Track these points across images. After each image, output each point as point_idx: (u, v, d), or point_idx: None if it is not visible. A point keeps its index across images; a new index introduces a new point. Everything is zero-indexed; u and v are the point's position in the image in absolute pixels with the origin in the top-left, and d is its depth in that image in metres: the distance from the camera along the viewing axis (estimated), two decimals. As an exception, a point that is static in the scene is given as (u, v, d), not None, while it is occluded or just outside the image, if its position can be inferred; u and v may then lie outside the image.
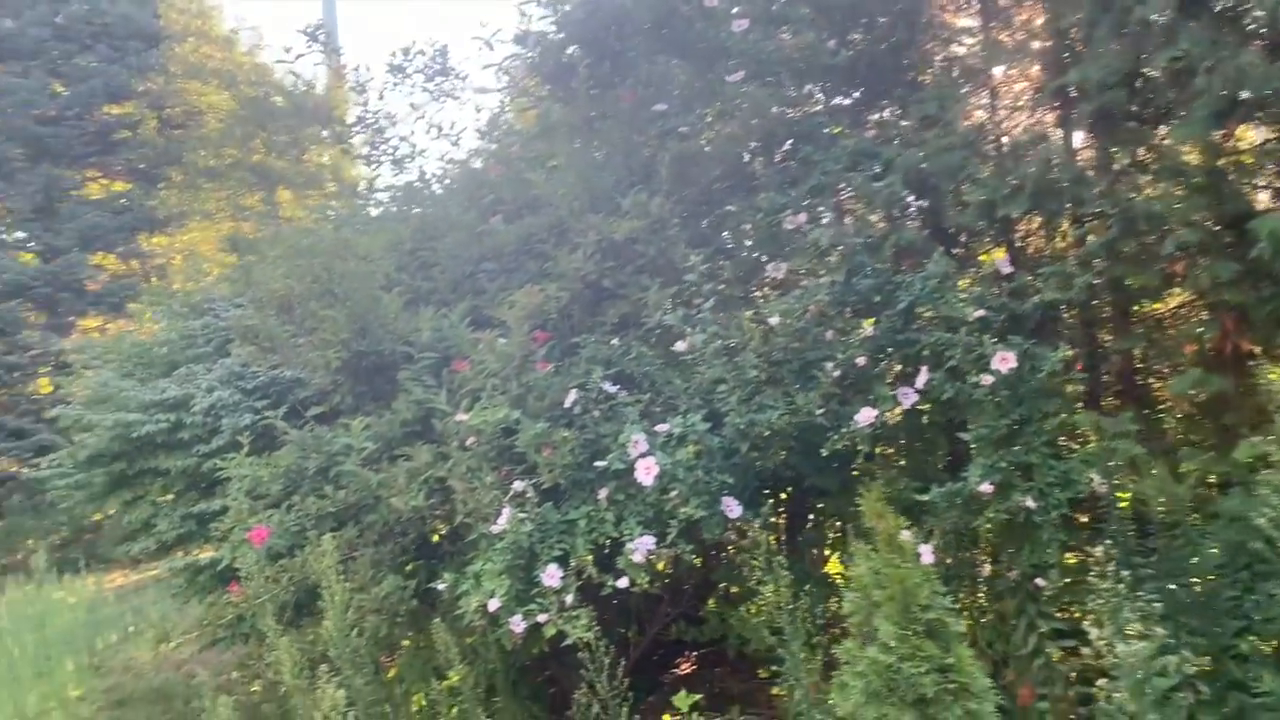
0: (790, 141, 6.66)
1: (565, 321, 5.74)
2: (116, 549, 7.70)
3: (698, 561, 6.59)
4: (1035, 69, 6.35)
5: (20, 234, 22.47)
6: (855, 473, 6.32)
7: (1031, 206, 5.88)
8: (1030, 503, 4.85)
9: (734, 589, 6.45)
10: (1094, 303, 5.89)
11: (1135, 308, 5.91)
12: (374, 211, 7.83)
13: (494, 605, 4.45)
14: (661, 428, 4.72)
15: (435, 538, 6.76)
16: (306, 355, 5.77)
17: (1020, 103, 6.68)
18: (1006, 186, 5.91)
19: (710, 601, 6.68)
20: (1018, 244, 6.45)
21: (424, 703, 6.53)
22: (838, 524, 6.63)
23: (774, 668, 6.41)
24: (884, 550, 3.28)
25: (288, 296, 5.54)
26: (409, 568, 6.11)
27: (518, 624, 4.60)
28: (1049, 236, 6.17)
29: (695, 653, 7.84)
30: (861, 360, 5.16)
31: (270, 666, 6.14)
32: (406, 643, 6.60)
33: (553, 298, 5.19)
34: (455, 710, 5.84)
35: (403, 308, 5.69)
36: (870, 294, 5.56)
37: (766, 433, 5.03)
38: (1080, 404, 5.69)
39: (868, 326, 5.13)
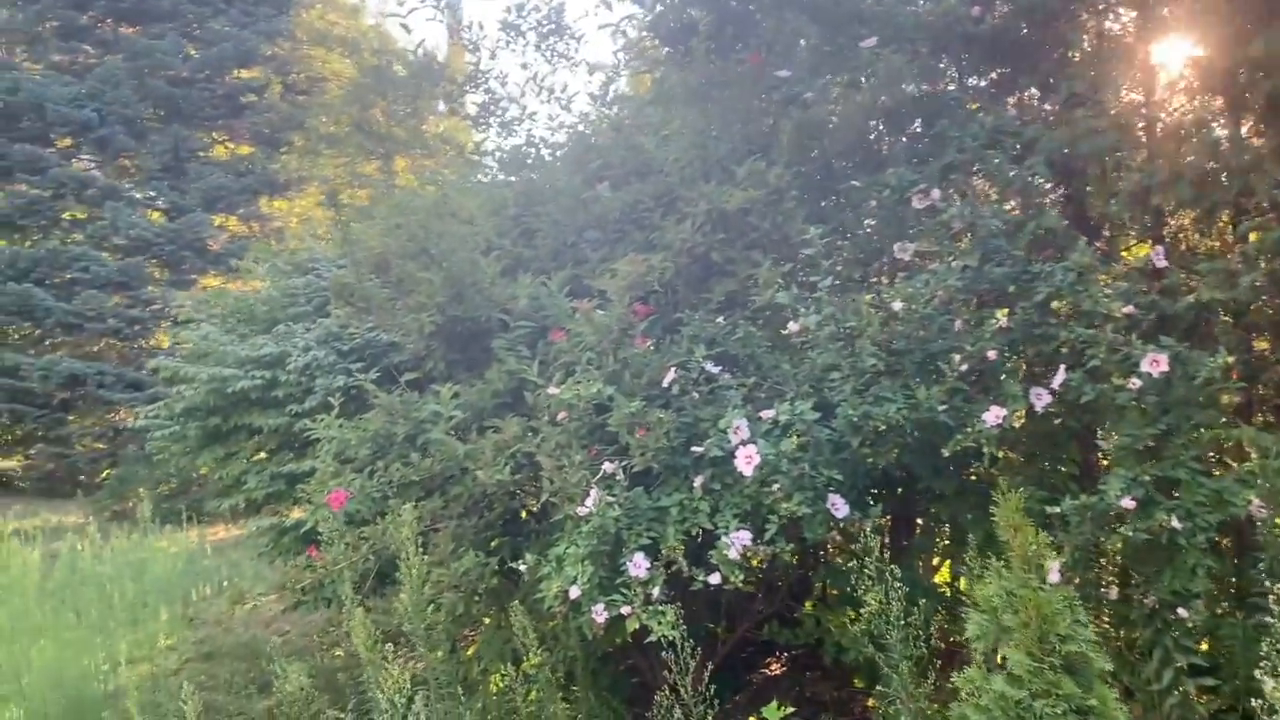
0: (920, 119, 6.20)
1: (668, 296, 5.40)
2: (212, 504, 7.66)
3: (794, 560, 6.19)
4: (1200, 46, 5.74)
5: (150, 192, 23.15)
6: (973, 477, 5.86)
7: (1191, 197, 5.32)
8: (1176, 523, 4.34)
9: (833, 591, 6.05)
10: (1253, 306, 5.30)
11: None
12: (482, 178, 7.62)
13: (575, 593, 4.16)
14: (767, 414, 4.35)
15: (524, 515, 6.55)
16: (401, 318, 5.56)
17: (1181, 83, 6.06)
18: (1162, 173, 5.36)
19: (807, 603, 6.29)
20: (1168, 239, 5.88)
21: (501, 685, 6.33)
22: (949, 531, 6.18)
23: (872, 680, 6.04)
24: (1018, 568, 2.86)
25: (384, 255, 5.33)
26: (493, 544, 5.89)
27: (599, 613, 4.30)
28: (1206, 231, 5.58)
29: (786, 654, 7.47)
30: (992, 354, 4.70)
31: (348, 634, 6.02)
32: (488, 620, 6.39)
33: (656, 268, 4.85)
34: (532, 694, 5.60)
35: (500, 274, 5.43)
36: (1004, 283, 5.09)
37: (882, 427, 4.61)
38: (1234, 417, 5.13)
39: (1001, 317, 4.66)
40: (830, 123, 5.77)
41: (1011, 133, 5.76)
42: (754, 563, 4.33)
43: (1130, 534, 4.35)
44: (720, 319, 5.12)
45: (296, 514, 7.03)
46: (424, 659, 4.74)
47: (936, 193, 5.08)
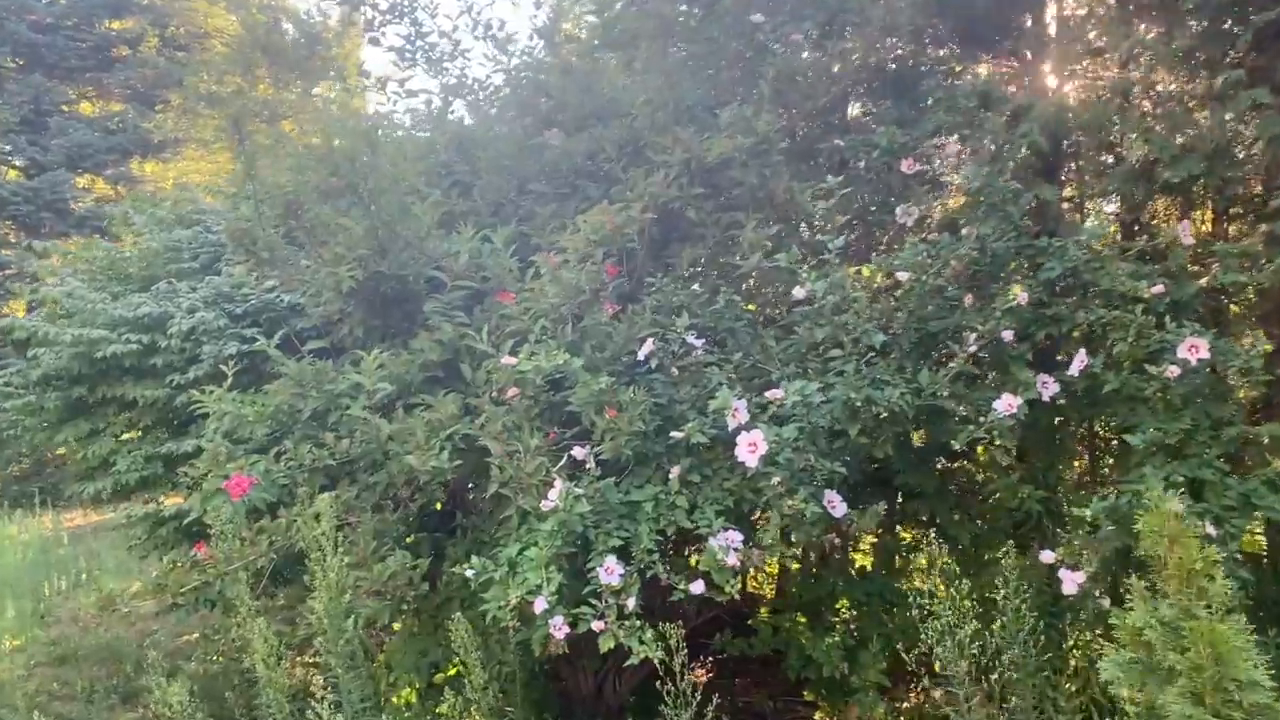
0: (899, 81, 5.63)
1: (626, 261, 4.69)
2: (73, 487, 6.59)
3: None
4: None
5: (5, 146, 21.20)
6: (955, 472, 5.35)
7: (1204, 171, 4.88)
8: (1210, 529, 3.84)
9: (795, 593, 5.44)
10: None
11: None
12: (404, 118, 6.72)
13: (540, 605, 3.42)
14: (774, 394, 3.68)
15: (439, 506, 5.77)
16: (313, 274, 4.72)
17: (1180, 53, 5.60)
18: (1173, 147, 4.91)
19: (763, 609, 5.66)
20: (1159, 217, 5.46)
21: (413, 699, 5.54)
22: (924, 530, 5.64)
23: (832, 693, 5.46)
24: (1177, 592, 2.26)
25: (297, 196, 4.47)
26: (409, 539, 5.11)
27: (559, 628, 3.57)
28: (1222, 211, 5.16)
29: (713, 659, 6.85)
30: (1008, 334, 4.14)
31: (237, 645, 5.13)
32: (398, 626, 5.59)
33: (636, 220, 4.13)
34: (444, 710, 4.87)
35: (436, 225, 4.63)
36: (1005, 258, 4.55)
37: (883, 414, 4.01)
38: (1256, 413, 4.72)
39: (1017, 292, 4.10)
40: (809, 76, 5.14)
41: (998, 98, 5.24)
42: (753, 571, 3.66)
43: (1164, 540, 3.83)
44: (696, 286, 4.44)
45: (175, 501, 6.07)
46: (334, 679, 3.93)
47: (950, 148, 4.47)
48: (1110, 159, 5.24)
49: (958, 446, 3.97)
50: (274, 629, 4.01)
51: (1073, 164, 5.54)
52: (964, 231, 4.29)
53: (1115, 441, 5.12)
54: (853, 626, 4.99)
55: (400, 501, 4.87)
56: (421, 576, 4.13)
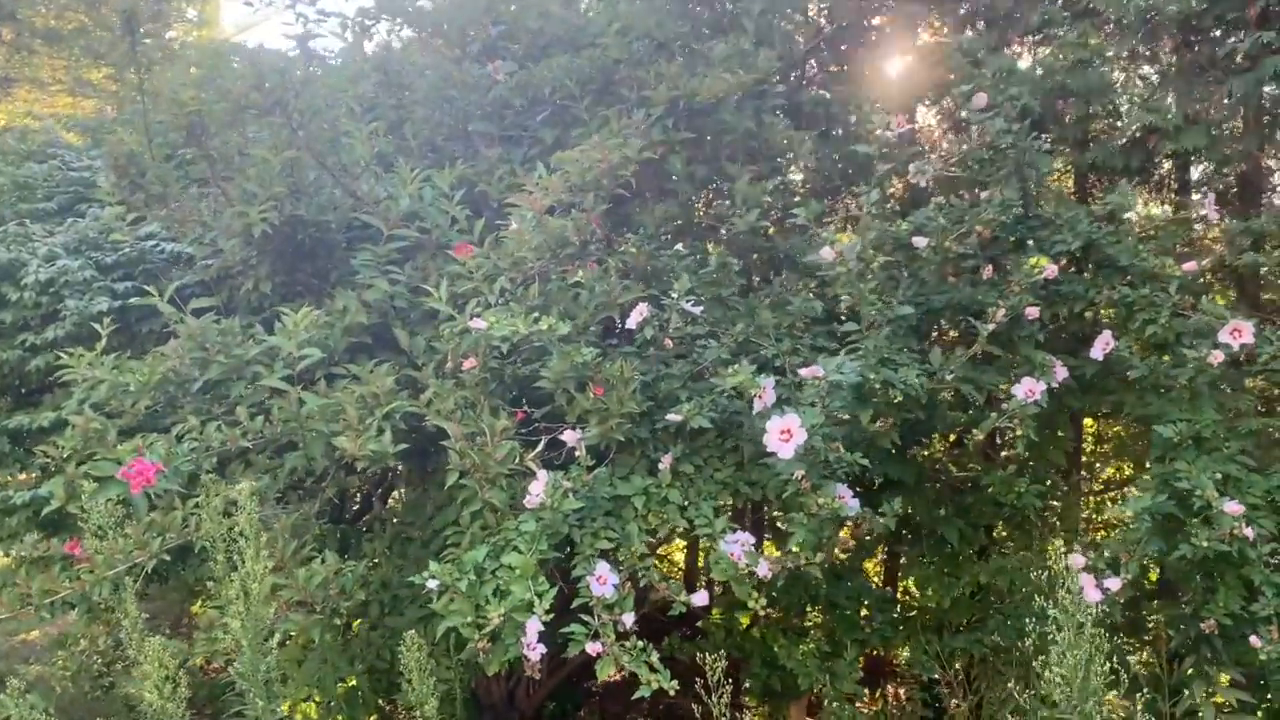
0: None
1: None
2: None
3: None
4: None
5: None
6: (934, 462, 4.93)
7: (1208, 144, 4.57)
8: (1248, 530, 3.49)
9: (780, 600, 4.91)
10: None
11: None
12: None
13: (533, 629, 2.78)
14: (810, 372, 3.12)
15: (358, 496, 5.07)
16: (215, 216, 3.91)
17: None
18: (1177, 118, 4.57)
19: (714, 611, 5.12)
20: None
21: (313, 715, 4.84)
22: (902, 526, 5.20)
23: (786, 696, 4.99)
24: None
25: (202, 116, 3.64)
26: (315, 533, 4.38)
27: (534, 649, 2.94)
28: (1230, 186, 4.86)
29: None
30: (1033, 311, 3.69)
31: (108, 660, 4.31)
32: (294, 635, 4.84)
33: (632, 159, 3.49)
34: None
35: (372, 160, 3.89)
36: (1007, 230, 4.11)
37: (899, 398, 3.51)
38: (1265, 404, 4.44)
39: (1044, 263, 3.66)
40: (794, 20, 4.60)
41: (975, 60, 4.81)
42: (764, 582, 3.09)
43: (1205, 544, 3.47)
44: (680, 246, 3.85)
45: (26, 481, 5.11)
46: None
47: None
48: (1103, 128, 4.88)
49: (1022, 435, 3.50)
50: (169, 650, 3.23)
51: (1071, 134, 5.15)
52: (983, 195, 3.81)
53: (1113, 433, 4.79)
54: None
55: (311, 491, 4.14)
56: (358, 583, 3.42)
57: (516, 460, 3.21)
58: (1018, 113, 4.35)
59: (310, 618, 3.25)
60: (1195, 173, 5.35)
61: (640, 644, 2.91)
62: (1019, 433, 3.61)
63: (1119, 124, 4.74)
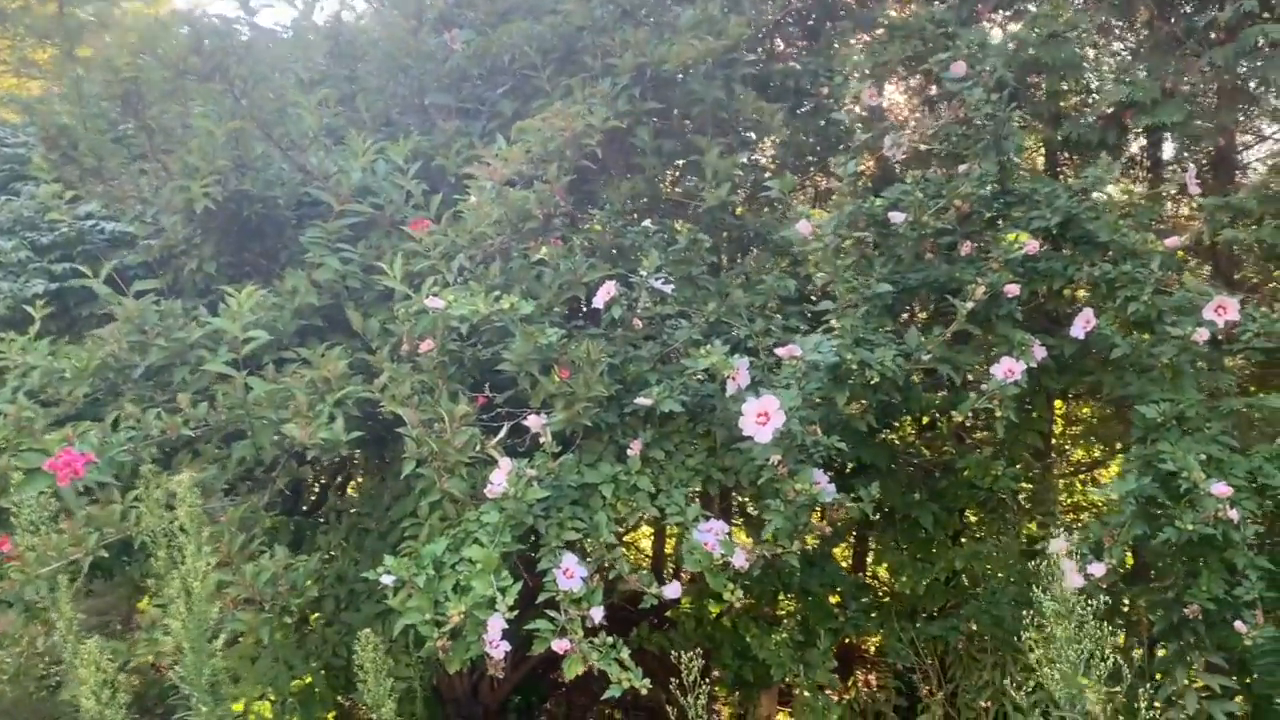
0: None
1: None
2: None
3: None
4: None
5: None
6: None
7: (1183, 120, 4.48)
8: (1233, 512, 3.40)
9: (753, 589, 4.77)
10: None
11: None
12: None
13: (496, 627, 2.62)
14: (786, 351, 2.97)
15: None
16: (154, 191, 3.69)
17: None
18: (1153, 91, 4.47)
19: (684, 600, 4.97)
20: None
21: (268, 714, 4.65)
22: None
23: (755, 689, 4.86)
24: None
25: (138, 85, 3.41)
26: (266, 524, 4.18)
27: (497, 647, 2.78)
28: (1203, 162, 4.77)
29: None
30: (1013, 288, 3.57)
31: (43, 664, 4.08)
32: (243, 631, 4.63)
33: (597, 128, 3.31)
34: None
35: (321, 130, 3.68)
36: (980, 205, 3.98)
37: (875, 379, 3.38)
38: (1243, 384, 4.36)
39: (1025, 239, 3.54)
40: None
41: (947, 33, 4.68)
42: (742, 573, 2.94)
43: (1190, 527, 3.37)
44: (648, 222, 3.68)
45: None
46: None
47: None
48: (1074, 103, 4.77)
49: (1000, 416, 3.37)
50: (107, 652, 3.03)
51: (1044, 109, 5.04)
52: (962, 168, 3.68)
53: (1083, 415, 4.70)
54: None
55: (262, 482, 3.94)
56: (312, 578, 3.24)
57: (477, 448, 3.04)
58: (994, 84, 4.24)
59: (259, 616, 3.07)
60: (1167, 150, 5.28)
61: (610, 640, 2.75)
62: (998, 414, 3.48)
63: (1091, 99, 4.63)
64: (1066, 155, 4.97)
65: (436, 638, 2.77)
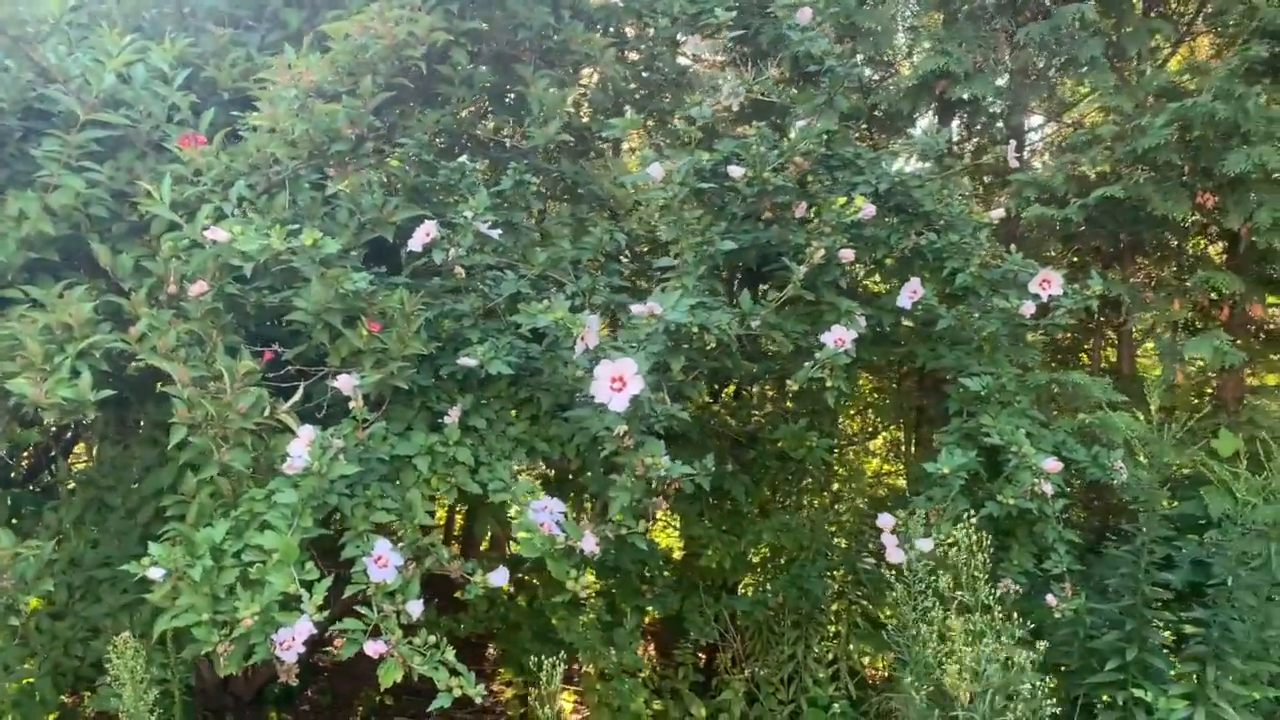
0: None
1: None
2: None
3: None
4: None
5: None
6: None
7: (996, 92, 4.51)
8: (1046, 486, 3.42)
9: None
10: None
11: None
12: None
13: (304, 631, 2.16)
14: (643, 309, 2.64)
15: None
16: None
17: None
18: (966, 64, 4.46)
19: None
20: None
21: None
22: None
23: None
24: None
25: None
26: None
27: (291, 650, 2.32)
28: (1015, 137, 4.80)
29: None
30: (849, 253, 3.41)
31: None
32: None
33: (421, 40, 2.83)
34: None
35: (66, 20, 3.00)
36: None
37: (712, 344, 3.13)
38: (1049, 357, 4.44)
39: (861, 203, 3.38)
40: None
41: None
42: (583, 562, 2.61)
43: (1012, 501, 3.35)
44: (465, 159, 3.23)
45: None
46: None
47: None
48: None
49: (831, 386, 3.19)
50: None
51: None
52: (801, 124, 3.48)
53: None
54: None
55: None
56: (51, 567, 2.63)
57: (265, 412, 2.54)
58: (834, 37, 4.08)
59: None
60: (956, 124, 5.34)
61: (434, 639, 2.36)
62: (829, 384, 3.32)
63: (906, 69, 4.58)
64: (868, 127, 4.91)
65: (217, 641, 2.28)
